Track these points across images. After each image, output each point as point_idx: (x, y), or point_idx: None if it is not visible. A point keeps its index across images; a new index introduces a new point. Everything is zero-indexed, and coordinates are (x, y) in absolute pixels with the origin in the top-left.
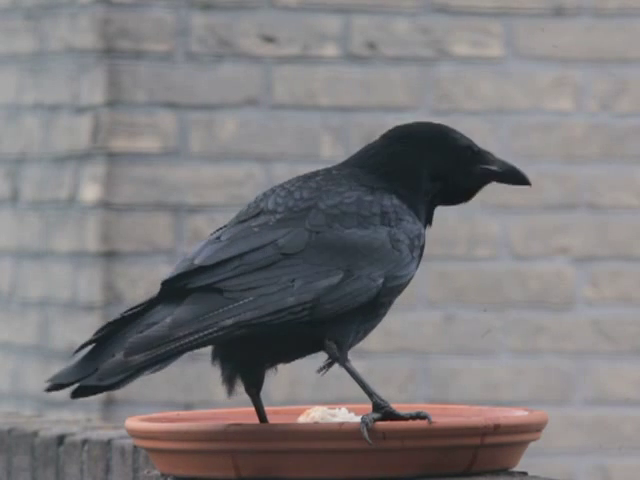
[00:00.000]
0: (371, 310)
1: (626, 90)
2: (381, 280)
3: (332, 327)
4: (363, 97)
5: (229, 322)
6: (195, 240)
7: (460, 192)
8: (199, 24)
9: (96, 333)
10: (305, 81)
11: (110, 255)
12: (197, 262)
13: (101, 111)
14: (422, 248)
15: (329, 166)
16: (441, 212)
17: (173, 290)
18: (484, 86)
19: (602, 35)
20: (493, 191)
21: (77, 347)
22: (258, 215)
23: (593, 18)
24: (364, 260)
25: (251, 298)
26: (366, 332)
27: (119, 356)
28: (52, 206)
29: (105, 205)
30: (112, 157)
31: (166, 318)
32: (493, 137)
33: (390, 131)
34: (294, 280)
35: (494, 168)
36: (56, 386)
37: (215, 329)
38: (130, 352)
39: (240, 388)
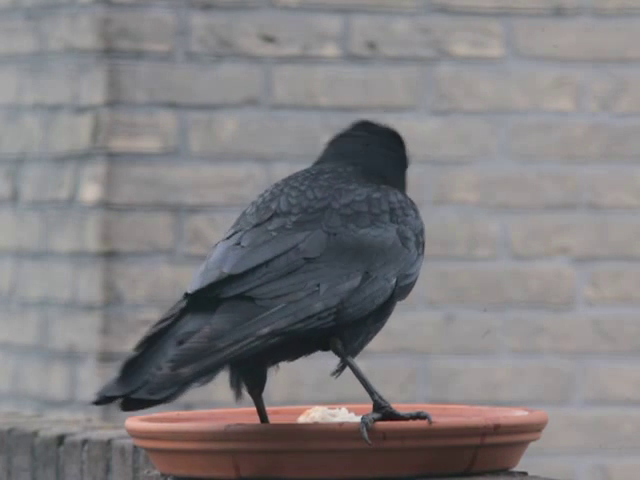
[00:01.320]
0: (383, 310)
1: (626, 90)
2: (394, 280)
3: (344, 329)
4: (363, 97)
5: (266, 330)
6: (195, 240)
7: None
8: (199, 24)
9: (137, 347)
10: (305, 81)
11: (110, 255)
12: (226, 270)
13: (101, 111)
14: (424, 244)
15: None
16: (441, 212)
17: (202, 299)
18: (484, 86)
19: (602, 35)
20: (493, 191)
21: (122, 364)
22: (272, 218)
23: (593, 18)
24: (379, 261)
25: (282, 305)
26: (376, 331)
27: (166, 369)
28: (52, 206)
29: (105, 205)
30: (112, 157)
31: (204, 328)
32: (493, 137)
33: (356, 127)
34: (319, 285)
35: None
36: (105, 399)
37: (253, 338)
38: (177, 365)
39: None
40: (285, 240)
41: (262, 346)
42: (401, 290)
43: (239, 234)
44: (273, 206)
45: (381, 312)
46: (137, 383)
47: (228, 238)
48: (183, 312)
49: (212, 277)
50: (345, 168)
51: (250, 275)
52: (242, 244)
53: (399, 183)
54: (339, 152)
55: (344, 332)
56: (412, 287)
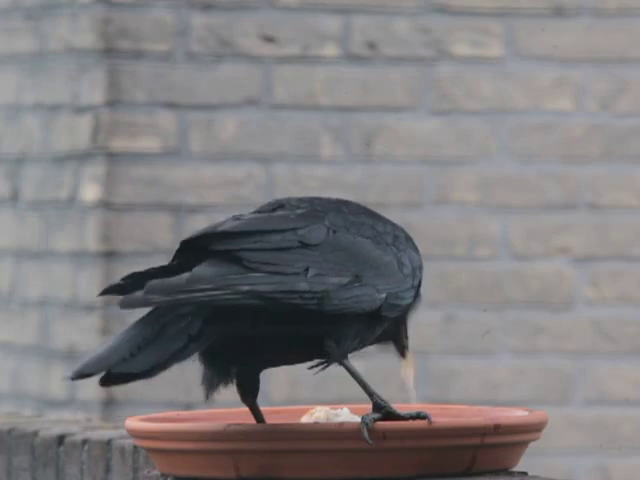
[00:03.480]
0: (369, 321)
1: (626, 90)
2: (384, 294)
3: (332, 327)
4: (363, 97)
5: (245, 288)
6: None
7: None
8: (199, 24)
9: (123, 279)
10: (305, 81)
11: (110, 255)
12: (220, 229)
13: (101, 111)
14: (420, 283)
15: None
16: (441, 212)
17: (191, 251)
18: (484, 86)
19: (602, 35)
20: (493, 191)
21: (102, 290)
22: (277, 209)
23: (593, 18)
24: (371, 271)
25: (268, 272)
26: (362, 341)
27: (139, 293)
28: (52, 206)
29: (105, 205)
30: (112, 157)
31: (184, 273)
32: (493, 137)
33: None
34: (308, 268)
35: None
36: (81, 375)
37: (230, 291)
38: (150, 291)
39: (217, 395)
40: (287, 222)
41: (237, 303)
42: (389, 307)
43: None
44: (282, 201)
45: (368, 322)
46: (117, 359)
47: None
48: (165, 267)
49: (205, 230)
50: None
51: (243, 238)
52: (242, 218)
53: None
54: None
55: (329, 330)
56: (401, 311)
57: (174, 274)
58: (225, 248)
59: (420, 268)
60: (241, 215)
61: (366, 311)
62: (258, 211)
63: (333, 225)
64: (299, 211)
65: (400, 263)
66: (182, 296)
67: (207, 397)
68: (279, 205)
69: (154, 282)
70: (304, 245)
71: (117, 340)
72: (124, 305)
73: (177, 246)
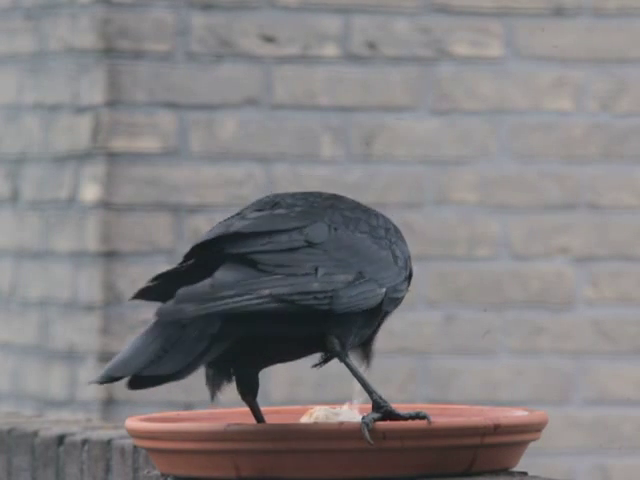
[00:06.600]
0: (371, 316)
1: (626, 90)
2: (384, 289)
3: (336, 324)
4: (363, 97)
5: (266, 292)
6: (195, 240)
7: None
8: (199, 24)
9: (151, 280)
10: (305, 81)
11: (110, 255)
12: (233, 229)
13: (101, 111)
14: (410, 273)
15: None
16: (441, 212)
17: (206, 253)
18: (484, 86)
19: (602, 35)
20: (493, 191)
21: (135, 294)
22: (275, 207)
23: (593, 18)
24: (371, 266)
25: (282, 275)
26: (362, 338)
27: (169, 305)
28: (52, 206)
29: (105, 205)
30: (112, 157)
31: (206, 279)
32: (493, 137)
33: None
34: (317, 268)
35: None
36: (110, 379)
37: (254, 296)
38: (180, 301)
39: (221, 394)
40: (290, 221)
41: (260, 308)
42: (389, 301)
43: (240, 215)
44: (278, 200)
45: (370, 318)
46: (144, 362)
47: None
48: (187, 268)
49: (219, 231)
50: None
51: (254, 239)
52: (246, 216)
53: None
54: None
55: (337, 329)
56: (398, 304)
57: (196, 277)
58: (239, 252)
59: (409, 258)
60: (242, 213)
61: (371, 307)
62: (257, 209)
63: (333, 222)
64: (298, 209)
65: (394, 256)
66: (211, 304)
67: (212, 397)
68: (275, 203)
69: (182, 291)
70: (310, 244)
71: (140, 342)
72: (161, 318)
73: (178, 246)
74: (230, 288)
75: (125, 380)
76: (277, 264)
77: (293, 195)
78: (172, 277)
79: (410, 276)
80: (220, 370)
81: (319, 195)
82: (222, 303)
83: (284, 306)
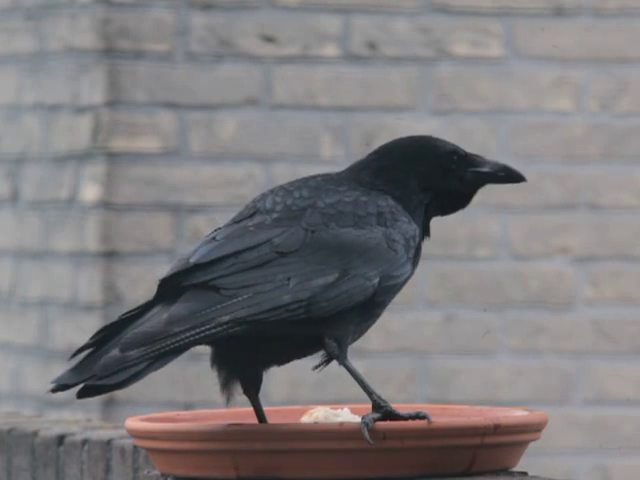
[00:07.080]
0: (367, 310)
1: (626, 90)
2: (377, 280)
3: (330, 326)
4: (363, 97)
5: (225, 318)
6: (195, 240)
7: (454, 199)
8: (199, 24)
9: (93, 336)
10: (305, 81)
11: (110, 255)
12: (192, 260)
13: (101, 111)
14: (418, 249)
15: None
16: None
17: (170, 289)
18: (484, 86)
19: (602, 35)
20: (493, 191)
21: (75, 350)
22: (254, 215)
23: (593, 18)
24: (359, 259)
25: (247, 295)
26: (362, 332)
27: (115, 352)
28: (52, 206)
29: (105, 205)
30: (112, 157)
31: (162, 315)
32: (493, 137)
33: (377, 148)
34: (289, 278)
35: (485, 170)
36: (61, 387)
37: (212, 325)
38: (126, 347)
39: (239, 395)
40: (260, 234)
41: (223, 334)
42: (384, 290)
43: (218, 230)
44: (259, 205)
45: (366, 312)
46: (92, 371)
47: (209, 235)
48: (152, 303)
49: (178, 267)
50: (340, 174)
51: (217, 265)
52: (217, 238)
53: (410, 200)
54: (352, 169)
55: (328, 329)
56: (399, 289)
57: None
58: (198, 281)
59: (414, 237)
60: (217, 231)
61: (360, 302)
62: (236, 220)
63: (311, 225)
64: (275, 215)
65: (390, 240)
66: (159, 346)
67: (228, 402)
68: (255, 210)
69: (130, 335)
70: (282, 254)
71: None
72: (100, 372)
73: (178, 246)
74: (184, 322)
75: (75, 389)
76: (242, 285)
77: (274, 195)
78: (125, 323)
79: (417, 255)
80: (230, 374)
81: (305, 186)
82: (174, 341)
83: (251, 327)
